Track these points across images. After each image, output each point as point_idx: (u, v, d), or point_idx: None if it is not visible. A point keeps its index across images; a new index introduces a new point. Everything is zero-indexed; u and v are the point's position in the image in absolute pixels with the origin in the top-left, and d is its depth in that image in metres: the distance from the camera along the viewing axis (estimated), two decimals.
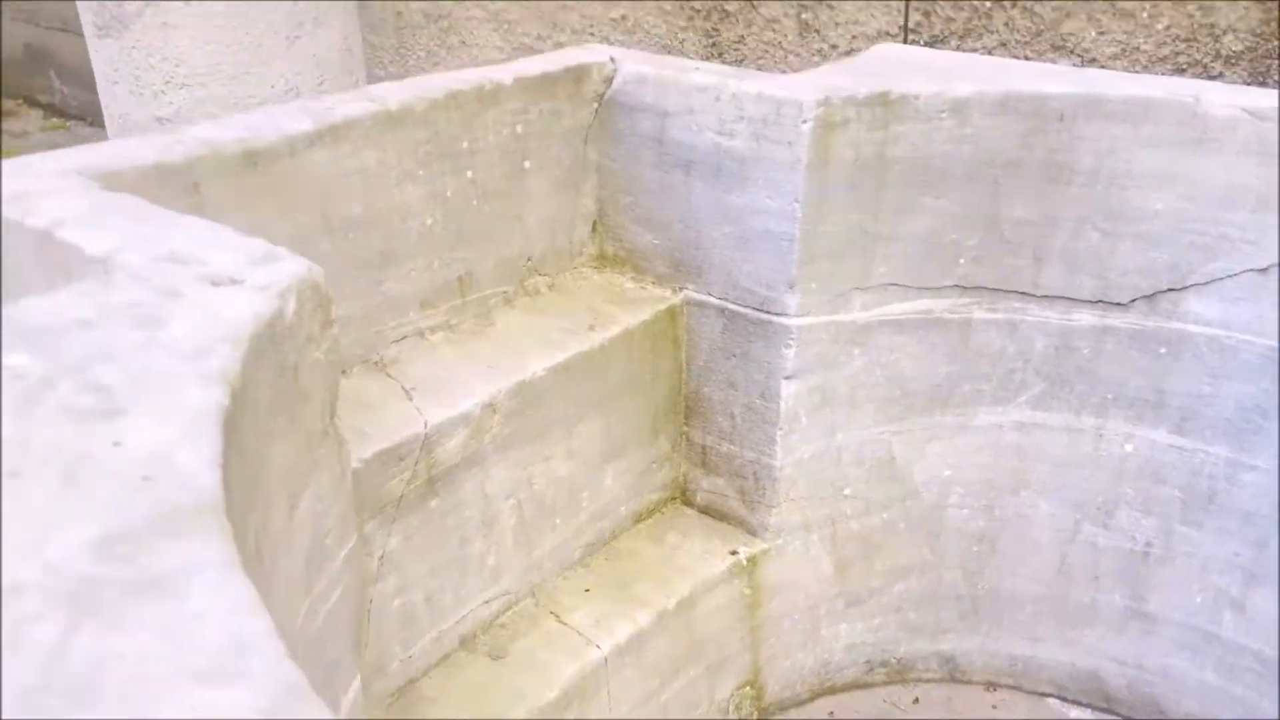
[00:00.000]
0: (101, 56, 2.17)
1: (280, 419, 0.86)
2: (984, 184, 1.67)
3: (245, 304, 0.83)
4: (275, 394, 0.86)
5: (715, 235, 1.72)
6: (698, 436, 1.88)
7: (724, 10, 2.76)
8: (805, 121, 1.55)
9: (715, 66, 1.74)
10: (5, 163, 1.13)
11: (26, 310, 0.82)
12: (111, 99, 2.19)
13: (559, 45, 3.14)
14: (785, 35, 2.68)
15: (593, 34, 3.05)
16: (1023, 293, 1.75)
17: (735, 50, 2.77)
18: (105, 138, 5.26)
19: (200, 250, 0.95)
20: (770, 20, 2.69)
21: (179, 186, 1.21)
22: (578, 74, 1.72)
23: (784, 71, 2.64)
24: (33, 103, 5.41)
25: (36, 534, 0.56)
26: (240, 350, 0.77)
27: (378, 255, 1.49)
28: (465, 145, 1.57)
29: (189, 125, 1.30)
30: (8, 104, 5.44)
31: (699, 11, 2.81)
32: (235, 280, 0.89)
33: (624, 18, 2.96)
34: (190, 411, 0.69)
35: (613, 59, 1.75)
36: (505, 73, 1.62)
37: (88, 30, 2.17)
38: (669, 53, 2.86)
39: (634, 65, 1.73)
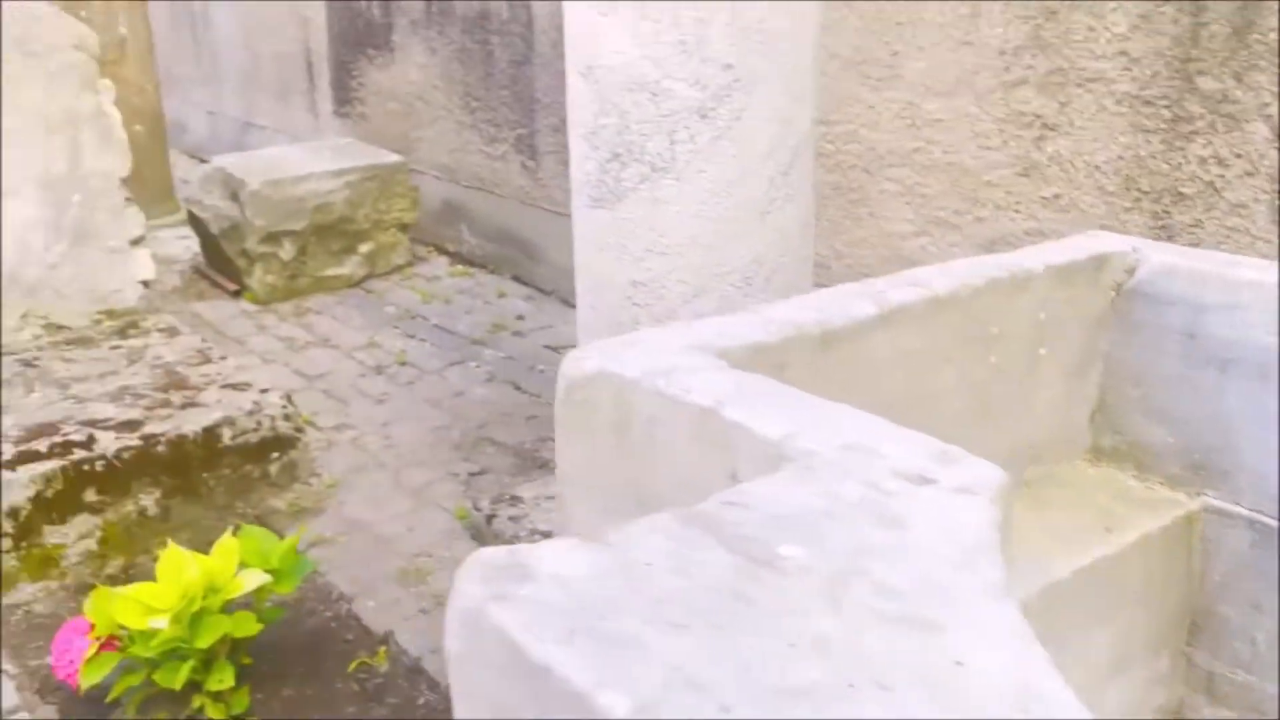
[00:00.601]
0: (589, 224, 2.37)
1: None
2: None
3: (973, 509, 0.82)
4: None
5: (1251, 440, 1.57)
6: (1203, 660, 1.69)
7: (1178, 193, 2.63)
8: None
9: (1258, 261, 1.63)
10: (634, 337, 1.22)
11: (748, 494, 0.85)
12: (592, 262, 2.39)
13: (978, 220, 3.12)
14: (1253, 221, 2.50)
15: (1018, 210, 3.00)
16: None
17: (1189, 234, 2.62)
18: (504, 285, 5.75)
19: (867, 440, 0.96)
20: (1236, 205, 2.53)
21: (771, 364, 1.25)
22: (1099, 262, 1.67)
23: None
24: (442, 250, 6.09)
25: None
26: (997, 560, 0.74)
27: None
28: (995, 330, 1.55)
29: (767, 306, 1.36)
30: (421, 250, 6.15)
31: (1147, 193, 2.70)
32: (926, 479, 0.88)
33: (1057, 196, 2.90)
34: (1004, 631, 0.66)
35: (1135, 249, 1.68)
36: (1035, 260, 1.60)
37: (579, 201, 2.39)
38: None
39: (1161, 256, 1.65)
